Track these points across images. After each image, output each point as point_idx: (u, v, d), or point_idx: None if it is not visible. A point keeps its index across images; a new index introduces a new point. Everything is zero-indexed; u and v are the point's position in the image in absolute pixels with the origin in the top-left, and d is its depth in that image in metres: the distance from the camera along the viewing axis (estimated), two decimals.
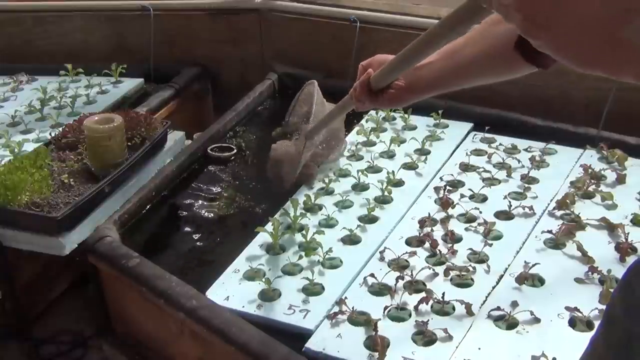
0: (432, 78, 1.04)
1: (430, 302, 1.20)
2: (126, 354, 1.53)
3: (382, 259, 1.35)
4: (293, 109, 1.84)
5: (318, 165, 1.70)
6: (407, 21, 2.04)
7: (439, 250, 1.35)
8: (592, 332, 1.10)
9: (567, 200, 1.45)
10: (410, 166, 1.68)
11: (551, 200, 1.48)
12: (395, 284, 1.26)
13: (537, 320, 1.15)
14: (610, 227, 1.37)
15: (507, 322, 1.16)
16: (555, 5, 0.49)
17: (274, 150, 1.67)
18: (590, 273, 1.25)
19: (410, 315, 1.20)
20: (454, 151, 1.74)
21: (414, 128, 1.87)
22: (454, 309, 1.20)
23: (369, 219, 1.49)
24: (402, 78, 1.06)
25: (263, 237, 1.45)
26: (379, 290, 1.27)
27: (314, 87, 1.76)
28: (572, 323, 1.14)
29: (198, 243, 1.54)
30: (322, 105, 1.72)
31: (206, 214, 1.64)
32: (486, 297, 1.23)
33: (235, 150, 1.87)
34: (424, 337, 1.15)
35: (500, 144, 1.73)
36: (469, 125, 1.83)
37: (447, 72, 1.02)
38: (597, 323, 1.13)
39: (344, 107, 1.30)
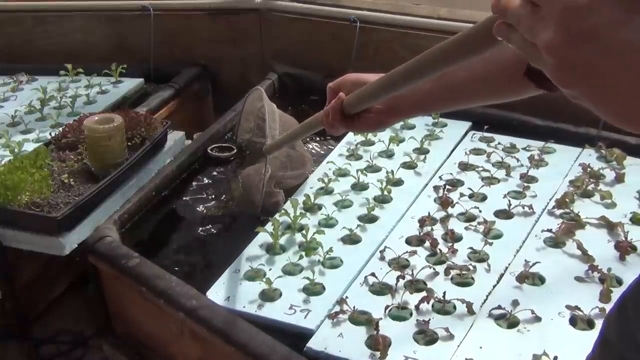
0: (417, 100, 0.94)
1: (431, 301, 1.20)
2: (126, 354, 1.53)
3: (382, 258, 1.36)
4: (239, 124, 1.77)
5: (284, 189, 1.62)
6: (407, 21, 2.04)
7: (439, 249, 1.35)
8: (593, 331, 1.11)
9: (567, 199, 1.45)
10: (409, 165, 1.68)
11: (550, 199, 1.49)
12: (396, 283, 1.26)
13: (538, 319, 1.15)
14: (610, 226, 1.37)
15: (508, 320, 1.16)
16: (608, 56, 0.40)
17: (241, 179, 1.61)
18: (590, 272, 1.25)
19: (411, 315, 1.20)
20: (453, 150, 1.74)
21: (412, 127, 1.87)
22: (455, 308, 1.21)
23: (368, 219, 1.49)
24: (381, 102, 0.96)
25: (263, 237, 1.46)
26: (380, 289, 1.27)
27: (261, 94, 1.68)
28: (573, 322, 1.15)
29: (198, 243, 1.54)
30: (274, 115, 1.65)
31: (206, 214, 1.64)
32: (487, 296, 1.23)
33: (235, 150, 1.87)
34: (425, 336, 1.15)
35: (499, 143, 1.73)
36: (467, 125, 1.83)
37: (436, 94, 0.92)
38: (597, 322, 1.13)
39: (310, 127, 1.17)
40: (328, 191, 1.61)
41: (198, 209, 1.66)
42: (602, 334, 0.65)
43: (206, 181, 1.77)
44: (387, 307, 1.21)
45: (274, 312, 1.25)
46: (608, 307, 1.15)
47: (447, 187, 1.55)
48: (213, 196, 1.71)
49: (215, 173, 1.81)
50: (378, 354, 1.11)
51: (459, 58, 0.65)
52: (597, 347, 0.65)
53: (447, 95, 0.92)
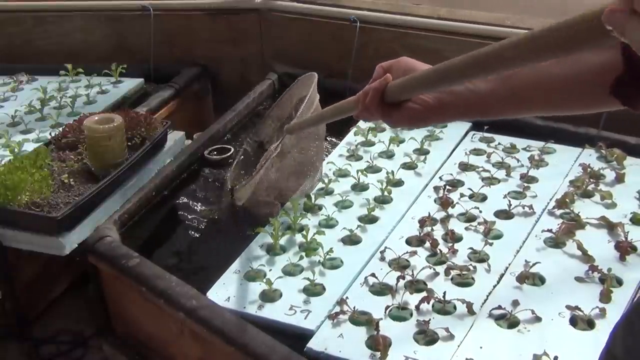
0: (473, 101, 0.83)
1: (432, 301, 1.20)
2: (126, 354, 1.53)
3: (382, 258, 1.36)
4: (286, 101, 1.75)
5: (284, 201, 1.57)
6: (407, 21, 2.04)
7: (440, 249, 1.35)
8: (593, 331, 1.11)
9: (567, 200, 1.45)
10: (409, 166, 1.68)
11: (550, 199, 1.49)
12: (396, 284, 1.26)
13: (538, 319, 1.15)
14: (610, 226, 1.37)
15: (509, 321, 1.16)
16: None
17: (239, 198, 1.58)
18: (590, 272, 1.25)
19: (411, 315, 1.20)
20: (453, 151, 1.74)
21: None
22: (455, 308, 1.21)
23: (369, 219, 1.49)
24: (426, 96, 0.86)
25: (263, 237, 1.46)
26: (380, 290, 1.27)
27: (314, 79, 1.64)
28: (573, 322, 1.15)
29: (198, 243, 1.54)
30: (312, 105, 1.59)
31: (206, 214, 1.64)
32: (487, 296, 1.23)
33: (232, 151, 1.87)
34: (426, 336, 1.15)
35: (499, 144, 1.73)
36: (467, 125, 1.83)
37: (497, 98, 0.82)
38: (597, 322, 1.13)
39: (341, 111, 1.07)
40: (328, 191, 1.61)
41: (198, 209, 1.66)
42: (607, 349, 0.64)
43: (206, 181, 1.77)
44: (387, 307, 1.21)
45: (274, 312, 1.25)
46: (608, 307, 1.16)
47: (447, 187, 1.55)
48: (213, 196, 1.70)
49: (214, 173, 1.81)
50: (378, 354, 1.11)
51: (549, 54, 0.56)
52: None
53: (511, 100, 0.82)
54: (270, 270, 1.36)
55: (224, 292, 1.31)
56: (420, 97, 0.85)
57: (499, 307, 1.18)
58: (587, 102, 0.77)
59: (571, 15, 0.51)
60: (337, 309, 1.23)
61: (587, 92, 0.75)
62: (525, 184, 1.56)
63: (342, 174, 1.67)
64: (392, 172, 1.62)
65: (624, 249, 1.29)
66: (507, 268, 1.29)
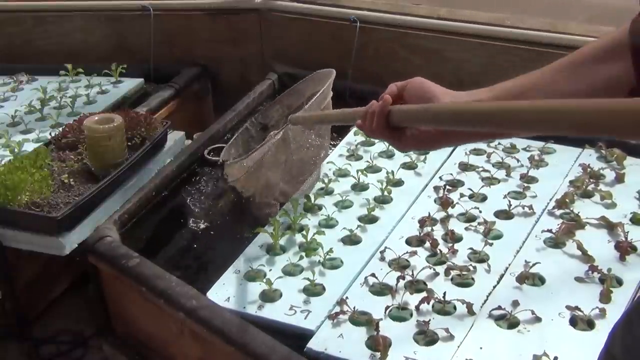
0: None
1: (432, 301, 1.20)
2: (126, 354, 1.53)
3: (382, 258, 1.36)
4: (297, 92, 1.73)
5: (285, 201, 1.57)
6: (407, 21, 2.04)
7: (440, 249, 1.35)
8: (593, 331, 1.11)
9: (567, 200, 1.45)
10: (409, 166, 1.68)
11: (550, 200, 1.49)
12: (396, 284, 1.26)
13: (538, 319, 1.15)
14: (610, 226, 1.37)
15: (508, 321, 1.16)
16: None
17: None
18: (590, 272, 1.25)
19: (411, 315, 1.20)
20: (453, 150, 1.74)
21: None
22: (455, 308, 1.21)
23: (369, 219, 1.49)
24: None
25: (263, 237, 1.45)
26: (380, 290, 1.27)
27: (332, 77, 1.61)
28: (573, 322, 1.15)
29: (198, 243, 1.54)
30: (324, 101, 1.58)
31: (206, 214, 1.64)
32: (487, 296, 1.23)
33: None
34: (426, 336, 1.15)
35: (499, 143, 1.73)
36: None
37: None
38: (597, 322, 1.13)
39: (345, 119, 1.07)
40: (328, 191, 1.61)
41: (198, 209, 1.66)
42: (607, 349, 0.64)
43: (206, 181, 1.77)
44: (387, 307, 1.21)
45: (274, 312, 1.25)
46: (608, 307, 1.16)
47: (447, 187, 1.56)
48: (213, 196, 1.70)
49: (214, 173, 1.81)
50: (378, 354, 1.11)
51: (570, 130, 0.55)
52: None
53: None
54: (270, 270, 1.36)
55: (224, 292, 1.31)
56: None
57: (499, 308, 1.18)
58: None
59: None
60: (337, 309, 1.23)
61: None
62: (525, 184, 1.56)
63: (342, 173, 1.67)
64: (392, 172, 1.62)
65: (624, 249, 1.29)
66: (507, 268, 1.29)
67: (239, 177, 1.52)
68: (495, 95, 0.81)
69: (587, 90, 0.74)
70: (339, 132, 1.90)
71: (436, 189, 1.57)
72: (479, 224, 1.43)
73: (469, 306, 1.19)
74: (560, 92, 0.76)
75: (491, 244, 1.35)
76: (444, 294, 1.21)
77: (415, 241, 1.41)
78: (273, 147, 1.50)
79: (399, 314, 1.21)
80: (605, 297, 1.18)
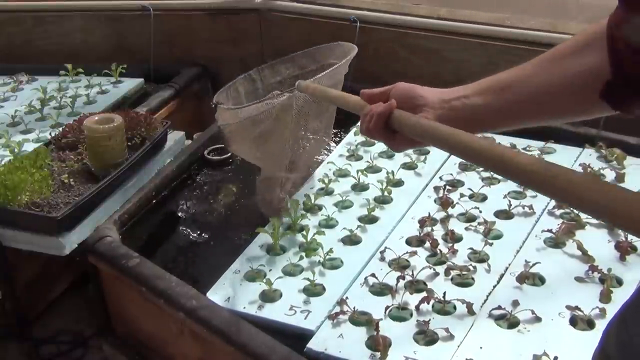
0: (470, 118, 0.84)
1: (432, 301, 1.20)
2: (126, 354, 1.53)
3: (382, 259, 1.36)
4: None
5: (290, 195, 1.55)
6: (407, 21, 2.04)
7: (440, 249, 1.35)
8: (593, 331, 1.11)
9: None
10: (409, 166, 1.68)
11: (551, 199, 1.48)
12: (396, 284, 1.26)
13: (538, 319, 1.15)
14: (610, 226, 1.37)
15: (508, 321, 1.16)
16: None
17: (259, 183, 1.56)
18: (590, 272, 1.25)
19: (411, 315, 1.20)
20: None
21: None
22: (455, 308, 1.20)
23: (369, 219, 1.49)
24: (427, 113, 0.86)
25: (263, 237, 1.45)
26: (380, 290, 1.27)
27: (353, 53, 1.54)
28: (573, 322, 1.15)
29: (198, 243, 1.54)
30: (336, 75, 1.50)
31: (206, 214, 1.64)
32: (487, 296, 1.23)
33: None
34: (426, 336, 1.15)
35: (499, 143, 1.73)
36: None
37: (494, 112, 0.83)
38: (597, 322, 1.13)
39: (347, 106, 1.08)
40: (328, 192, 1.61)
41: (198, 209, 1.66)
42: (601, 347, 0.64)
43: (206, 181, 1.77)
44: (387, 307, 1.21)
45: (274, 312, 1.25)
46: (608, 307, 1.16)
47: (447, 187, 1.55)
48: (213, 196, 1.70)
49: (214, 173, 1.81)
50: (378, 354, 1.11)
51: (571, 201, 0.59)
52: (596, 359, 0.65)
53: (507, 113, 0.83)
54: (270, 270, 1.36)
55: (223, 292, 1.31)
56: (420, 114, 0.86)
57: (499, 307, 1.18)
58: (580, 109, 0.78)
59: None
60: (337, 309, 1.23)
61: (578, 99, 0.76)
62: None
63: (342, 174, 1.67)
64: (392, 172, 1.62)
65: (624, 249, 1.29)
66: (507, 268, 1.29)
67: (231, 123, 1.46)
68: (479, 90, 0.83)
69: (561, 82, 0.76)
70: (339, 132, 1.91)
71: (436, 189, 1.57)
72: (479, 224, 1.43)
73: (469, 306, 1.19)
74: (537, 84, 0.78)
75: (491, 244, 1.35)
76: (444, 294, 1.21)
77: (415, 241, 1.41)
78: (274, 110, 1.41)
79: (399, 314, 1.21)
80: (606, 297, 1.18)
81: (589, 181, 0.58)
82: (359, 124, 1.90)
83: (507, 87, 0.81)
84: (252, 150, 1.53)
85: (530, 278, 1.25)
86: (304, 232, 1.41)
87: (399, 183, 1.61)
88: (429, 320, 1.16)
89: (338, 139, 1.90)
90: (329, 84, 1.42)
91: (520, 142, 1.73)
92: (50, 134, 1.84)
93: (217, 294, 1.31)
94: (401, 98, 0.89)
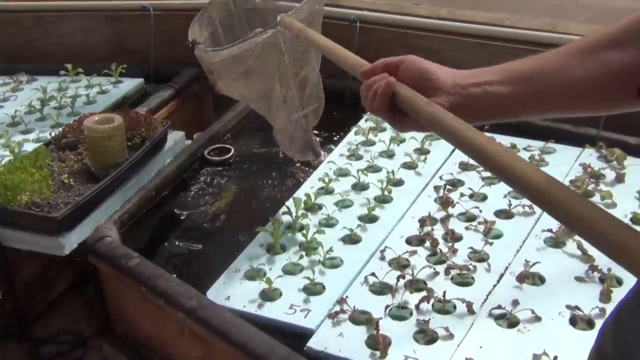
0: (492, 105, 0.79)
1: (431, 301, 1.20)
2: (126, 354, 1.53)
3: (382, 258, 1.36)
4: None
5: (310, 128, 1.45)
6: (407, 21, 2.04)
7: (440, 249, 1.35)
8: (593, 331, 1.11)
9: None
10: (410, 165, 1.68)
11: None
12: (396, 283, 1.26)
13: (538, 318, 1.15)
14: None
15: (508, 320, 1.16)
16: None
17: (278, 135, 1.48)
18: (590, 272, 1.25)
19: (411, 314, 1.20)
20: (453, 150, 1.74)
21: None
22: (455, 307, 1.21)
23: (369, 219, 1.49)
24: (440, 98, 0.80)
25: (264, 236, 1.45)
26: (380, 289, 1.27)
27: None
28: (573, 321, 1.15)
29: (198, 243, 1.54)
30: (318, 15, 1.40)
31: (206, 213, 1.64)
32: (487, 295, 1.23)
33: (233, 151, 1.87)
34: (426, 335, 1.15)
35: (499, 143, 1.73)
36: None
37: (518, 101, 0.78)
38: (597, 321, 1.13)
39: (345, 65, 1.01)
40: (328, 191, 1.61)
41: (198, 208, 1.66)
42: (597, 346, 0.64)
43: (206, 181, 1.77)
44: (387, 306, 1.21)
45: (274, 311, 1.25)
46: (608, 307, 1.16)
47: (448, 187, 1.56)
48: (213, 196, 1.70)
49: (214, 173, 1.81)
50: (378, 353, 1.11)
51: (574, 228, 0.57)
52: (592, 359, 0.65)
53: (534, 103, 0.78)
54: (270, 269, 1.36)
55: (223, 291, 1.31)
56: (433, 99, 0.80)
57: (499, 307, 1.18)
58: (612, 104, 0.76)
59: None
60: (337, 308, 1.23)
61: (613, 95, 0.74)
62: None
63: (342, 173, 1.67)
64: (393, 171, 1.62)
65: None
66: (507, 268, 1.29)
67: (213, 62, 1.37)
68: (505, 78, 0.78)
69: (599, 78, 0.73)
70: (340, 131, 1.91)
71: (436, 188, 1.57)
72: (479, 223, 1.43)
73: (469, 305, 1.19)
74: (569, 77, 0.74)
75: (491, 244, 1.35)
76: (444, 293, 1.21)
77: (415, 240, 1.41)
78: (258, 48, 1.31)
79: (399, 313, 1.21)
80: (605, 297, 1.18)
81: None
82: (359, 123, 1.93)
83: (536, 77, 0.77)
84: (239, 88, 1.43)
85: (530, 277, 1.25)
86: (304, 231, 1.41)
87: (399, 182, 1.61)
88: (429, 319, 1.16)
89: (338, 137, 1.91)
90: (307, 16, 1.33)
91: (521, 142, 1.73)
92: (50, 134, 1.84)
93: (217, 293, 1.31)
94: (412, 75, 0.83)
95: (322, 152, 1.47)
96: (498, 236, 1.39)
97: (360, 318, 1.20)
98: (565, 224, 0.59)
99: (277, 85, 1.39)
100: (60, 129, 1.83)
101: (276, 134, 1.51)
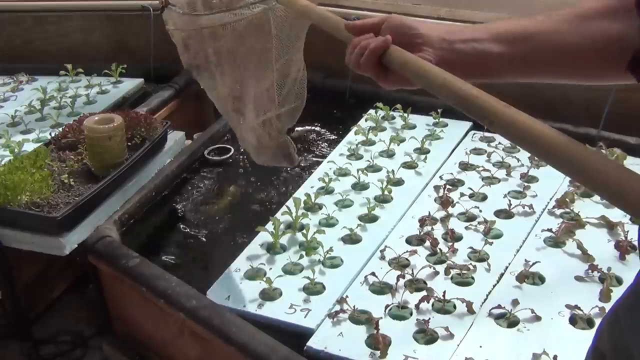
0: (481, 63, 0.76)
1: (431, 300, 1.20)
2: (126, 354, 1.53)
3: (382, 257, 1.36)
4: None
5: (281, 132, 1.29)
6: None
7: (440, 249, 1.35)
8: (592, 330, 1.11)
9: (567, 199, 1.45)
10: (410, 165, 1.68)
11: (551, 199, 1.49)
12: (396, 283, 1.26)
13: (537, 318, 1.15)
14: (610, 226, 1.37)
15: (508, 320, 1.16)
16: None
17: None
18: (590, 271, 1.25)
19: (411, 314, 1.20)
20: (453, 150, 1.74)
21: (413, 127, 1.87)
22: (454, 307, 1.21)
23: (369, 218, 1.49)
24: (426, 53, 0.77)
25: (264, 236, 1.45)
26: (380, 289, 1.27)
27: None
28: (573, 321, 1.15)
29: (198, 243, 1.54)
30: None
31: (206, 213, 1.64)
32: (487, 295, 1.23)
33: (233, 151, 1.87)
34: (425, 335, 1.15)
35: (500, 143, 1.73)
36: (468, 124, 1.83)
37: (507, 62, 0.76)
38: (597, 321, 1.13)
39: (331, 29, 0.96)
40: (329, 191, 1.61)
41: (198, 208, 1.66)
42: (594, 345, 0.64)
43: (206, 181, 1.77)
44: (387, 306, 1.21)
45: (274, 311, 1.25)
46: (608, 306, 1.15)
47: (448, 186, 1.56)
48: (213, 196, 1.70)
49: (214, 173, 1.81)
50: (378, 353, 1.11)
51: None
52: (590, 358, 0.64)
53: (522, 64, 0.76)
54: (271, 269, 1.36)
55: (224, 290, 1.31)
56: (419, 54, 0.76)
57: (499, 307, 1.18)
58: (601, 75, 0.74)
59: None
60: (337, 307, 1.23)
61: (603, 65, 0.72)
62: (526, 184, 1.56)
63: (342, 173, 1.67)
64: (393, 171, 1.62)
65: (624, 249, 1.29)
66: (507, 267, 1.29)
67: (182, 29, 1.23)
68: (495, 35, 0.76)
69: (590, 45, 0.71)
70: (340, 131, 1.91)
71: (436, 188, 1.57)
72: (479, 223, 1.43)
73: (469, 305, 1.19)
74: (563, 42, 0.73)
75: (491, 243, 1.35)
76: (444, 292, 1.21)
77: (415, 240, 1.41)
78: (242, 24, 1.14)
79: (399, 312, 1.21)
80: (605, 296, 1.18)
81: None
82: (359, 123, 1.93)
83: (529, 38, 0.74)
84: (210, 69, 1.24)
85: (530, 277, 1.25)
86: (304, 231, 1.41)
87: (399, 182, 1.61)
88: (429, 319, 1.16)
89: (338, 137, 1.91)
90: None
91: None
92: (50, 134, 1.84)
93: (217, 293, 1.31)
94: (395, 33, 0.80)
95: (297, 158, 1.33)
96: (498, 236, 1.39)
97: (360, 317, 1.20)
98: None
99: (251, 74, 1.21)
100: (60, 129, 1.83)
101: (242, 138, 1.34)
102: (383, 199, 1.55)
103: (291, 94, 1.26)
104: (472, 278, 1.28)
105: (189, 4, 1.21)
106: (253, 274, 1.35)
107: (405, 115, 1.89)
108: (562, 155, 0.54)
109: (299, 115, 1.28)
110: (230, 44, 1.16)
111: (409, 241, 1.41)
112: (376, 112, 1.92)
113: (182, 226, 1.60)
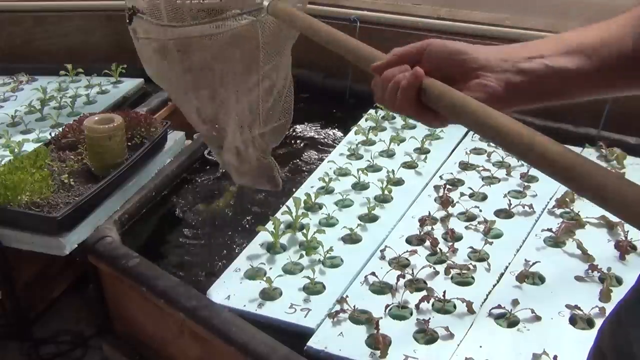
0: (554, 84, 0.65)
1: (431, 300, 1.20)
2: (126, 354, 1.53)
3: (382, 257, 1.36)
4: None
5: (266, 151, 1.21)
6: (407, 21, 2.04)
7: (440, 248, 1.35)
8: (592, 330, 1.11)
9: (567, 199, 1.45)
10: (410, 165, 1.68)
11: (551, 199, 1.49)
12: (396, 283, 1.26)
13: (537, 318, 1.15)
14: (610, 225, 1.37)
15: (508, 320, 1.16)
16: None
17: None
18: (590, 271, 1.25)
19: (411, 314, 1.20)
20: (453, 150, 1.74)
21: (413, 127, 1.87)
22: (455, 307, 1.21)
23: (369, 218, 1.49)
24: (486, 79, 0.64)
25: (264, 236, 1.45)
26: (380, 288, 1.27)
27: None
28: (573, 321, 1.15)
29: (198, 242, 1.54)
30: None
31: (206, 213, 1.64)
32: (487, 295, 1.23)
33: None
34: (426, 335, 1.15)
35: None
36: None
37: (589, 77, 0.64)
38: (597, 321, 1.13)
39: (356, 58, 0.84)
40: (329, 190, 1.61)
41: (198, 208, 1.66)
42: (596, 345, 0.64)
43: (206, 181, 1.77)
44: (387, 306, 1.21)
45: (274, 311, 1.25)
46: (608, 306, 1.16)
47: (448, 186, 1.56)
48: (213, 196, 1.70)
49: (214, 173, 1.81)
50: (378, 353, 1.11)
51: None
52: (591, 358, 0.64)
53: (604, 81, 0.65)
54: (271, 268, 1.36)
55: (224, 290, 1.31)
56: (478, 82, 0.64)
57: (499, 306, 1.18)
58: None
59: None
60: (337, 307, 1.23)
61: None
62: (526, 183, 1.56)
63: (342, 172, 1.67)
64: (393, 171, 1.62)
65: (624, 248, 1.29)
66: (507, 267, 1.29)
67: (151, 38, 1.07)
68: (564, 49, 0.65)
69: None
70: (339, 132, 1.91)
71: (436, 188, 1.57)
72: (479, 223, 1.43)
73: (469, 305, 1.19)
74: (627, 50, 0.64)
75: (491, 243, 1.35)
76: (444, 292, 1.21)
77: (415, 240, 1.41)
78: (221, 39, 1.01)
79: (399, 312, 1.21)
80: (605, 296, 1.18)
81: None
82: (359, 123, 1.93)
83: (601, 48, 0.64)
84: (180, 85, 1.11)
85: (530, 277, 1.25)
86: (305, 231, 1.41)
87: (399, 182, 1.61)
88: (429, 319, 1.16)
89: (338, 137, 1.91)
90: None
91: None
92: (50, 134, 1.84)
93: (217, 293, 1.31)
94: (441, 61, 0.67)
95: (281, 181, 1.24)
96: (498, 236, 1.39)
97: (361, 317, 1.20)
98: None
99: (232, 90, 1.10)
100: (60, 129, 1.83)
101: (220, 157, 1.21)
102: (383, 199, 1.55)
103: (276, 111, 1.16)
104: (472, 278, 1.28)
105: (165, 13, 1.04)
106: (253, 274, 1.35)
107: None
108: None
109: (285, 135, 1.19)
110: (210, 57, 1.05)
111: (409, 241, 1.41)
112: (376, 112, 1.92)
113: (182, 226, 1.60)
